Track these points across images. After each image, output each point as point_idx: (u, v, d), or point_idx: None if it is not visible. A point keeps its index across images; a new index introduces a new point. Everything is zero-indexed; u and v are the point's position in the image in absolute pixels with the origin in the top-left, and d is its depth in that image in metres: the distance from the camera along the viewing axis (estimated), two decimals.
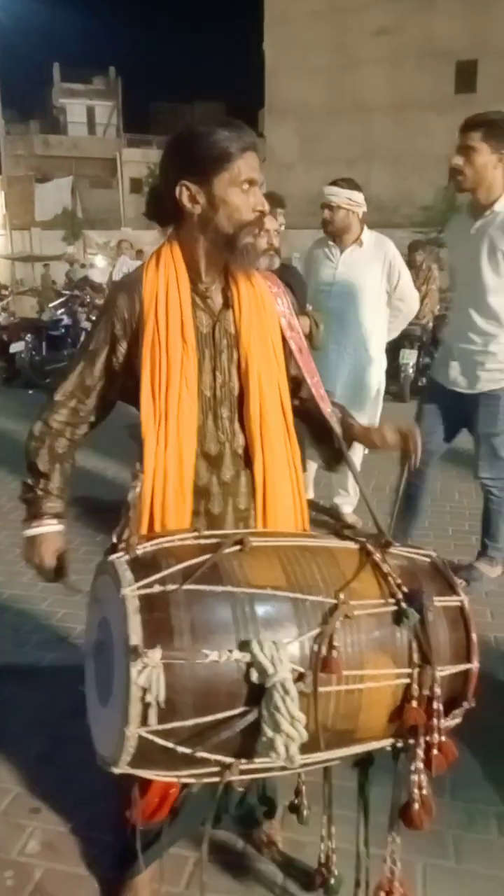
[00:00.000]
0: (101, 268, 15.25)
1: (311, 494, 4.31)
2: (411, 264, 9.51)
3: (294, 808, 1.71)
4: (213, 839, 1.82)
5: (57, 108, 40.15)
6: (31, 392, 8.05)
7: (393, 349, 8.14)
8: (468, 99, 29.32)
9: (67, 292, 11.53)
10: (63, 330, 9.28)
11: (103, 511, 3.89)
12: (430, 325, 8.15)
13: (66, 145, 35.72)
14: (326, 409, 1.62)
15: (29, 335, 8.87)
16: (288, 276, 3.32)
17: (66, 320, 9.58)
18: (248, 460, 1.52)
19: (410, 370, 7.74)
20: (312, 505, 4.30)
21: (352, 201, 3.73)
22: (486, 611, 3.16)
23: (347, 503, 4.12)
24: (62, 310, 10.01)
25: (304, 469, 3.75)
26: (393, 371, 8.00)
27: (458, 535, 4.08)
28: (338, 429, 1.61)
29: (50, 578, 1.56)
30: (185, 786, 1.55)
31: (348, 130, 28.97)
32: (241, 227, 1.40)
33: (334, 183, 3.77)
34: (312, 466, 4.14)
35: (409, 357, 7.72)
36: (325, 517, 4.05)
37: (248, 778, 1.54)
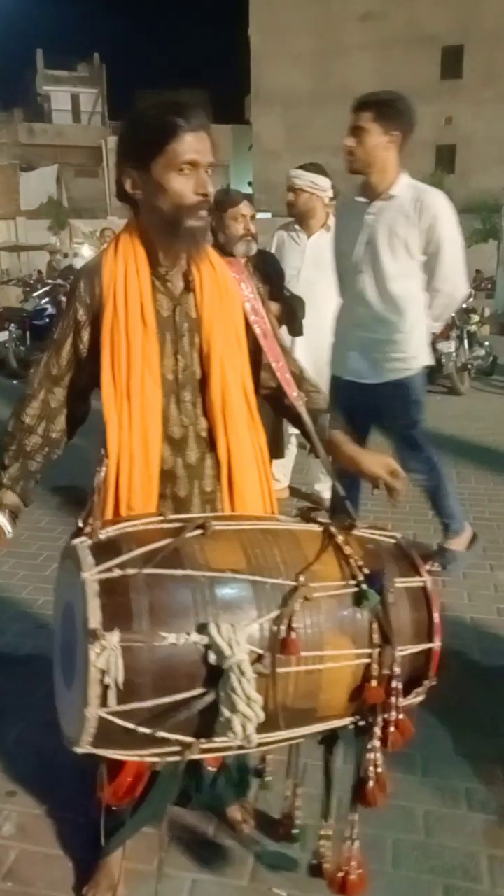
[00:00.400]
0: (86, 257, 15.14)
1: (288, 481, 4.34)
2: None
3: (258, 774, 1.75)
4: (187, 818, 1.86)
5: (41, 95, 39.68)
6: (15, 383, 8.02)
7: None
8: (454, 85, 29.32)
9: (51, 282, 11.45)
10: (47, 319, 9.22)
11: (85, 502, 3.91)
12: None
13: (50, 133, 35.38)
14: (292, 393, 1.63)
15: (13, 325, 8.82)
16: (265, 263, 3.34)
17: (50, 310, 9.53)
18: (212, 443, 1.53)
19: None
20: (293, 492, 4.36)
21: (314, 185, 3.74)
22: (463, 592, 3.20)
23: (327, 489, 4.15)
24: (46, 299, 9.96)
25: (283, 457, 3.79)
26: None
27: (438, 520, 4.12)
28: (305, 414, 1.62)
29: None
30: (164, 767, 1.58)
31: (334, 117, 28.73)
32: (183, 211, 1.38)
33: (301, 167, 3.79)
34: (291, 454, 4.17)
35: None
36: (306, 503, 4.08)
37: (215, 756, 1.59)
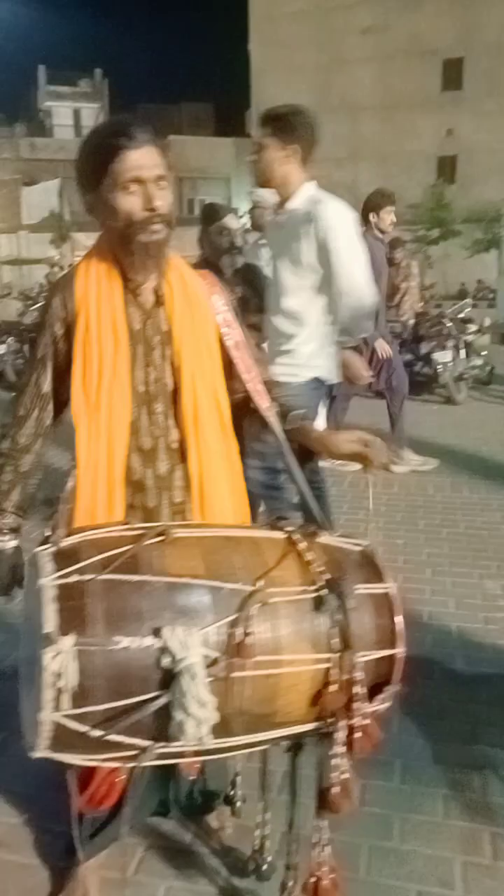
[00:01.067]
0: None
1: None
2: (391, 261, 9.55)
3: (228, 800, 1.75)
4: (163, 826, 1.87)
5: (43, 110, 40.16)
6: (13, 395, 8.06)
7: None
8: (455, 96, 29.54)
9: None
10: None
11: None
12: (411, 321, 8.19)
13: (52, 148, 35.68)
14: (263, 403, 1.66)
15: (10, 338, 8.89)
16: (252, 275, 3.37)
17: None
18: (183, 454, 1.56)
19: None
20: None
21: (266, 200, 3.79)
22: (451, 601, 3.21)
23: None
24: None
25: None
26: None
27: (429, 529, 4.14)
28: (276, 425, 1.66)
29: (1, 592, 1.61)
30: (131, 774, 1.59)
31: (336, 130, 28.99)
32: (134, 228, 1.42)
33: None
34: None
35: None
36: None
37: (193, 764, 1.60)
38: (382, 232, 5.03)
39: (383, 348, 5.09)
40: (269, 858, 1.64)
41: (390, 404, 5.33)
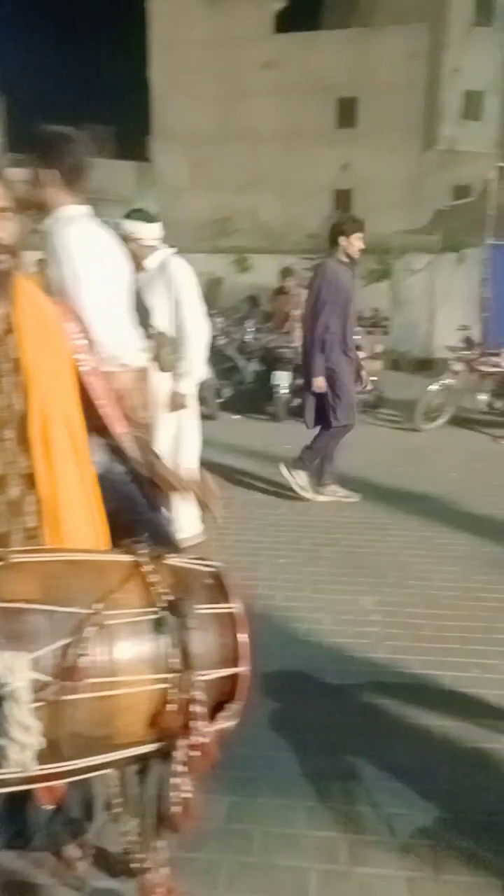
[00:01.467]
0: None
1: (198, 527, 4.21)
2: (282, 290, 9.86)
3: (108, 806, 1.74)
4: (18, 861, 1.83)
5: None
6: None
7: (267, 371, 8.40)
8: (350, 133, 30.85)
9: None
10: None
11: None
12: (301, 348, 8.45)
13: None
14: (118, 430, 1.70)
15: None
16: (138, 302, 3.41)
17: None
18: (35, 480, 1.57)
19: (283, 391, 7.99)
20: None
21: (124, 231, 3.81)
22: (327, 617, 3.32)
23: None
24: None
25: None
26: (267, 392, 8.26)
27: (311, 548, 4.26)
28: (131, 449, 1.70)
29: None
30: None
31: (237, 158, 29.67)
32: None
33: (125, 214, 3.88)
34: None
35: (282, 378, 7.97)
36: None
37: (51, 792, 1.58)
38: (350, 257, 5.01)
39: (318, 385, 5.03)
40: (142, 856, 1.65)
41: (327, 432, 5.15)
